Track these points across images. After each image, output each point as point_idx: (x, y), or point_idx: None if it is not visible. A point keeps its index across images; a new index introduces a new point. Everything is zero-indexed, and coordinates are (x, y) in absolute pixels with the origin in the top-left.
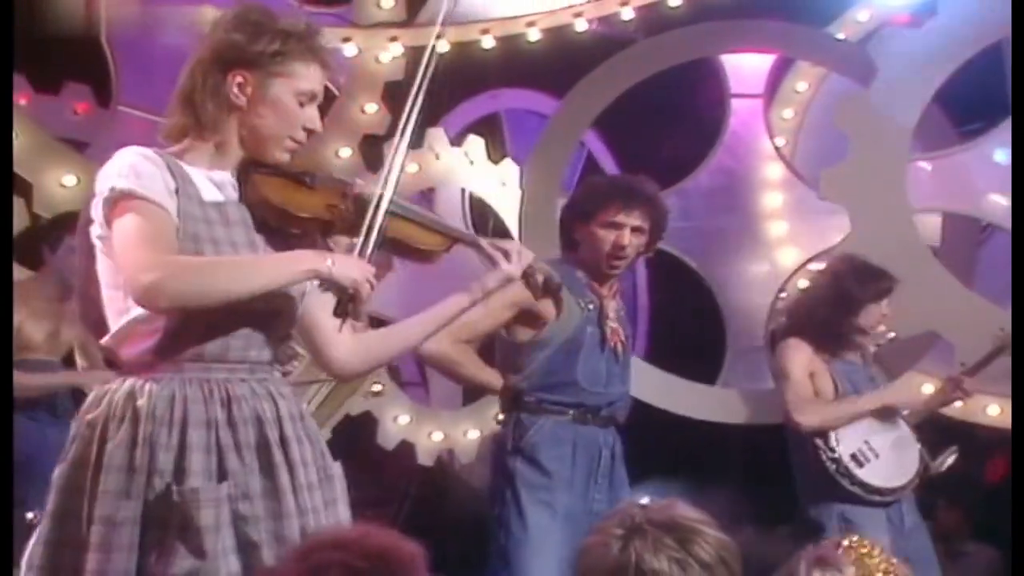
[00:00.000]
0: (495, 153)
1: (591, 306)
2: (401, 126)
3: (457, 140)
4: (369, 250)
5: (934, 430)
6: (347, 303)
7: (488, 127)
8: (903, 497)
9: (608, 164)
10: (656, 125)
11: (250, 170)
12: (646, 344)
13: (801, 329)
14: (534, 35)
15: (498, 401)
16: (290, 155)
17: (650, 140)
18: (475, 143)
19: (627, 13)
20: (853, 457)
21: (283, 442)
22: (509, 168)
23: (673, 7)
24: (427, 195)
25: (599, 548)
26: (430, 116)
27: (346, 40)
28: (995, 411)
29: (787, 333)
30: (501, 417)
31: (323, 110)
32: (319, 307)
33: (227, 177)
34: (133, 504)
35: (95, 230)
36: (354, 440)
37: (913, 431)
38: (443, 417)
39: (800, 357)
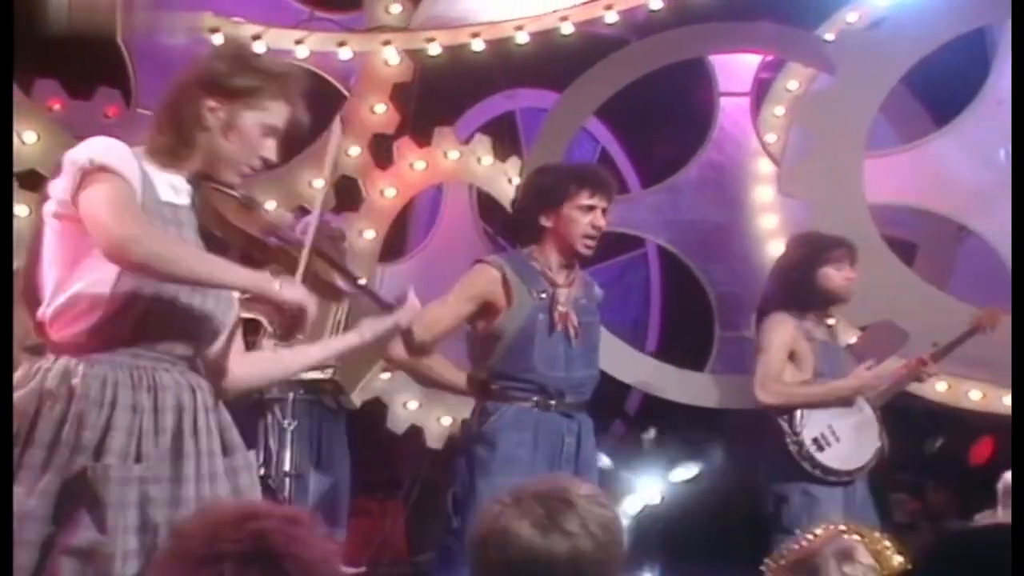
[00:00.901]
0: (503, 151)
1: (543, 295)
2: (328, 170)
3: (471, 139)
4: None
5: (921, 414)
6: (288, 324)
7: (503, 126)
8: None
9: (621, 160)
10: (657, 122)
11: (203, 182)
12: (657, 337)
13: (775, 301)
14: (522, 38)
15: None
16: (241, 179)
17: (656, 135)
18: (482, 141)
19: (611, 17)
20: (815, 441)
21: (195, 431)
22: (516, 165)
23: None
24: (436, 192)
25: (484, 516)
26: (441, 117)
27: (386, 43)
28: (977, 395)
29: (766, 308)
30: None
31: (332, 111)
32: (234, 331)
33: (182, 182)
34: (52, 478)
35: (49, 206)
36: (366, 425)
37: (876, 413)
38: (451, 401)
39: (781, 332)
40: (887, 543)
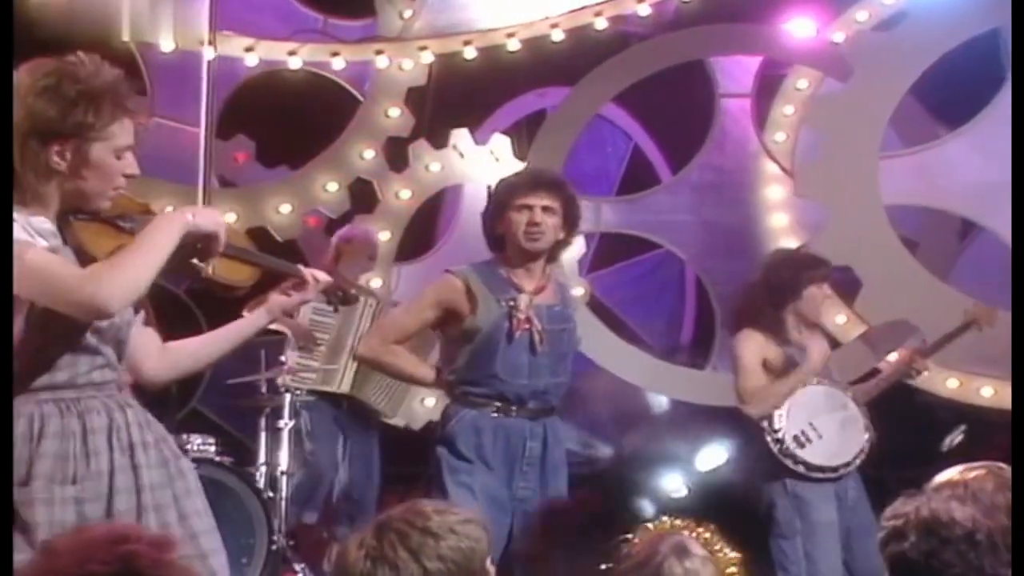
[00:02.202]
0: (524, 150)
1: (511, 302)
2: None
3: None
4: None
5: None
6: (208, 247)
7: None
8: (849, 473)
9: (654, 155)
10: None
11: (69, 216)
12: (692, 331)
13: (746, 318)
14: (513, 45)
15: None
16: (110, 202)
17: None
18: (501, 141)
19: (600, 23)
20: (795, 438)
21: (131, 447)
22: None
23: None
24: (454, 192)
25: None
26: (470, 116)
27: (379, 53)
28: (954, 384)
29: (736, 326)
30: None
31: (347, 115)
32: (136, 330)
33: (47, 225)
34: None
35: None
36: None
37: (861, 410)
38: None
39: (751, 346)
40: (716, 535)
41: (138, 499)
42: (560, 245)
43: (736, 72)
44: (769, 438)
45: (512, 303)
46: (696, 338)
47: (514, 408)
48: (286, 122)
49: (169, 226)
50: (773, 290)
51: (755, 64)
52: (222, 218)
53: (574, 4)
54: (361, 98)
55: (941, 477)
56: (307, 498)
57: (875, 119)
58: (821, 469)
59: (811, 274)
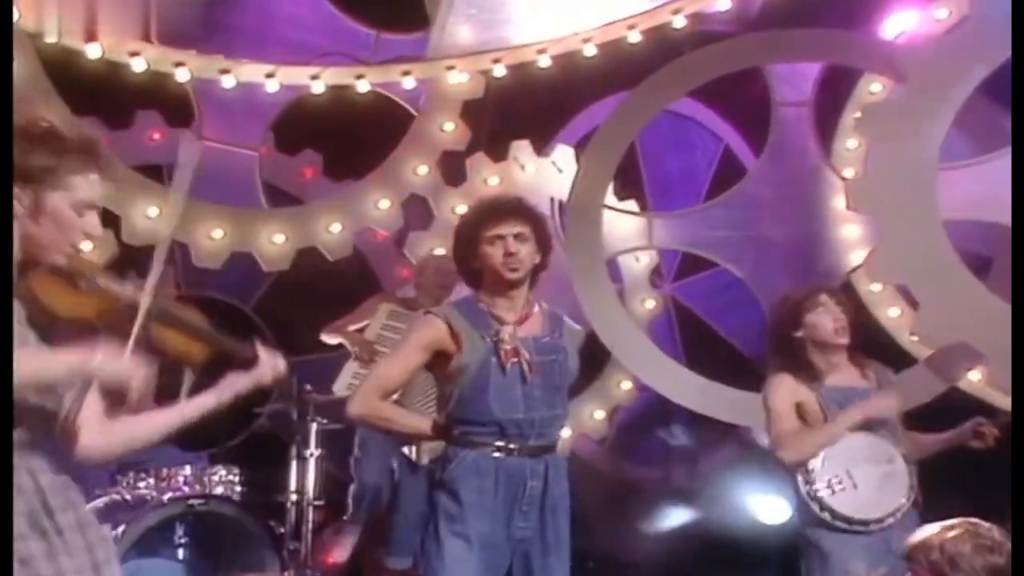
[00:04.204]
0: None
1: (494, 337)
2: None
3: (582, 144)
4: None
5: None
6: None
7: None
8: (887, 529)
9: (745, 155)
10: None
11: (24, 271)
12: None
13: (773, 364)
14: (544, 62)
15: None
16: (67, 259)
17: None
18: (563, 152)
19: (634, 36)
20: (828, 483)
21: (51, 512)
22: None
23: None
24: None
25: None
26: (527, 130)
27: (450, 68)
28: None
29: (765, 370)
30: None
31: (401, 130)
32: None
33: None
34: None
35: None
36: None
37: (911, 468)
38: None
39: (781, 391)
40: None
41: (58, 565)
42: (538, 269)
43: (794, 79)
44: (800, 478)
45: (495, 338)
46: None
47: (515, 447)
48: (351, 136)
49: (66, 361)
50: (779, 334)
51: (813, 70)
52: (134, 372)
53: (649, 4)
54: (415, 112)
55: (916, 537)
56: (355, 509)
57: (932, 126)
58: (848, 520)
59: (804, 304)
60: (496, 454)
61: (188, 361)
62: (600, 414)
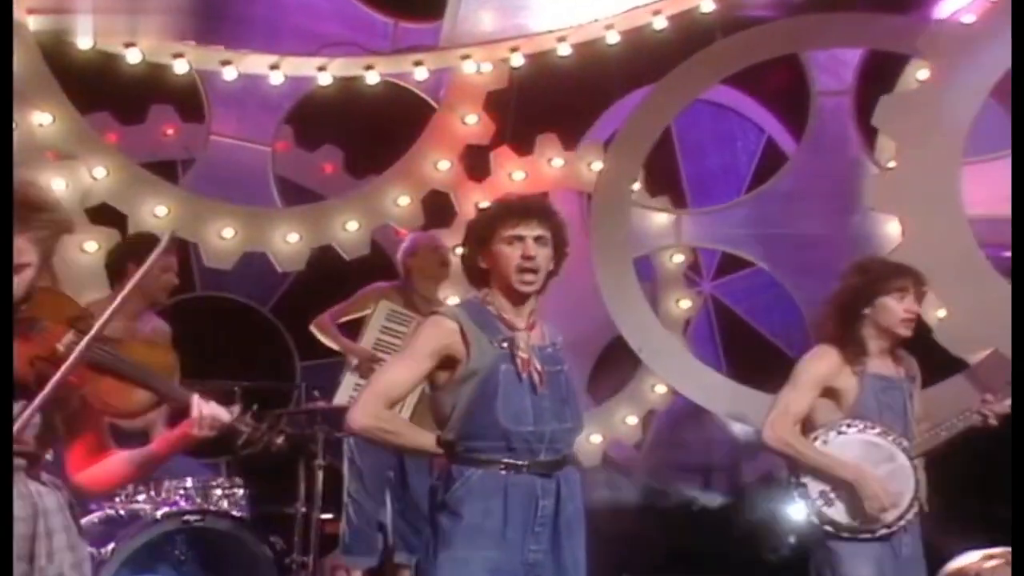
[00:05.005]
0: None
1: (504, 343)
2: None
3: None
4: (35, 406)
5: None
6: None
7: None
8: (896, 534)
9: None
10: None
11: None
12: None
13: (824, 333)
14: (564, 50)
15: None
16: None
17: None
18: (593, 146)
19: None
20: (822, 494)
21: (49, 533)
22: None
23: None
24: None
25: None
26: (573, 120)
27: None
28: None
29: (816, 339)
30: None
31: (421, 124)
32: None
33: None
34: None
35: None
36: None
37: (913, 463)
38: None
39: (819, 367)
40: None
41: None
42: (549, 277)
43: (833, 66)
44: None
45: (505, 344)
46: None
47: (524, 464)
48: (371, 131)
49: None
50: (846, 304)
51: (854, 57)
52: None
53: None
54: (436, 105)
55: (955, 564)
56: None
57: (956, 118)
58: (850, 529)
59: (885, 284)
60: (503, 471)
61: (128, 412)
62: (633, 419)
